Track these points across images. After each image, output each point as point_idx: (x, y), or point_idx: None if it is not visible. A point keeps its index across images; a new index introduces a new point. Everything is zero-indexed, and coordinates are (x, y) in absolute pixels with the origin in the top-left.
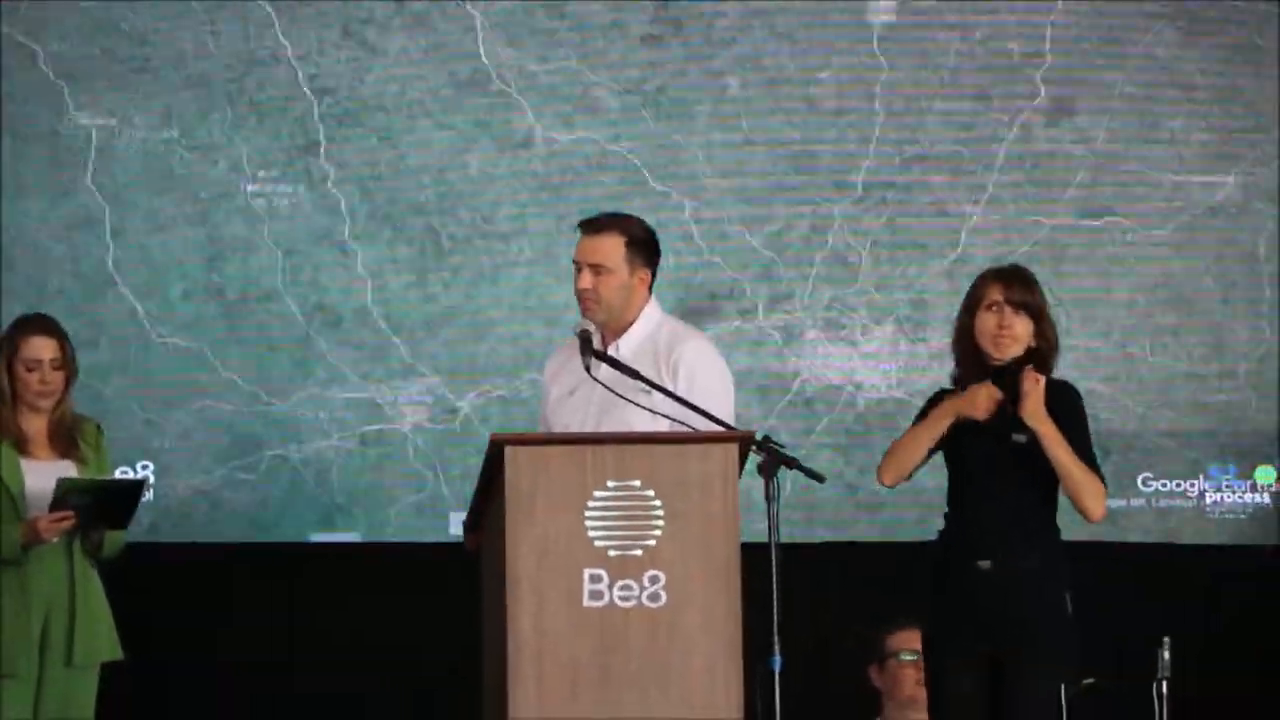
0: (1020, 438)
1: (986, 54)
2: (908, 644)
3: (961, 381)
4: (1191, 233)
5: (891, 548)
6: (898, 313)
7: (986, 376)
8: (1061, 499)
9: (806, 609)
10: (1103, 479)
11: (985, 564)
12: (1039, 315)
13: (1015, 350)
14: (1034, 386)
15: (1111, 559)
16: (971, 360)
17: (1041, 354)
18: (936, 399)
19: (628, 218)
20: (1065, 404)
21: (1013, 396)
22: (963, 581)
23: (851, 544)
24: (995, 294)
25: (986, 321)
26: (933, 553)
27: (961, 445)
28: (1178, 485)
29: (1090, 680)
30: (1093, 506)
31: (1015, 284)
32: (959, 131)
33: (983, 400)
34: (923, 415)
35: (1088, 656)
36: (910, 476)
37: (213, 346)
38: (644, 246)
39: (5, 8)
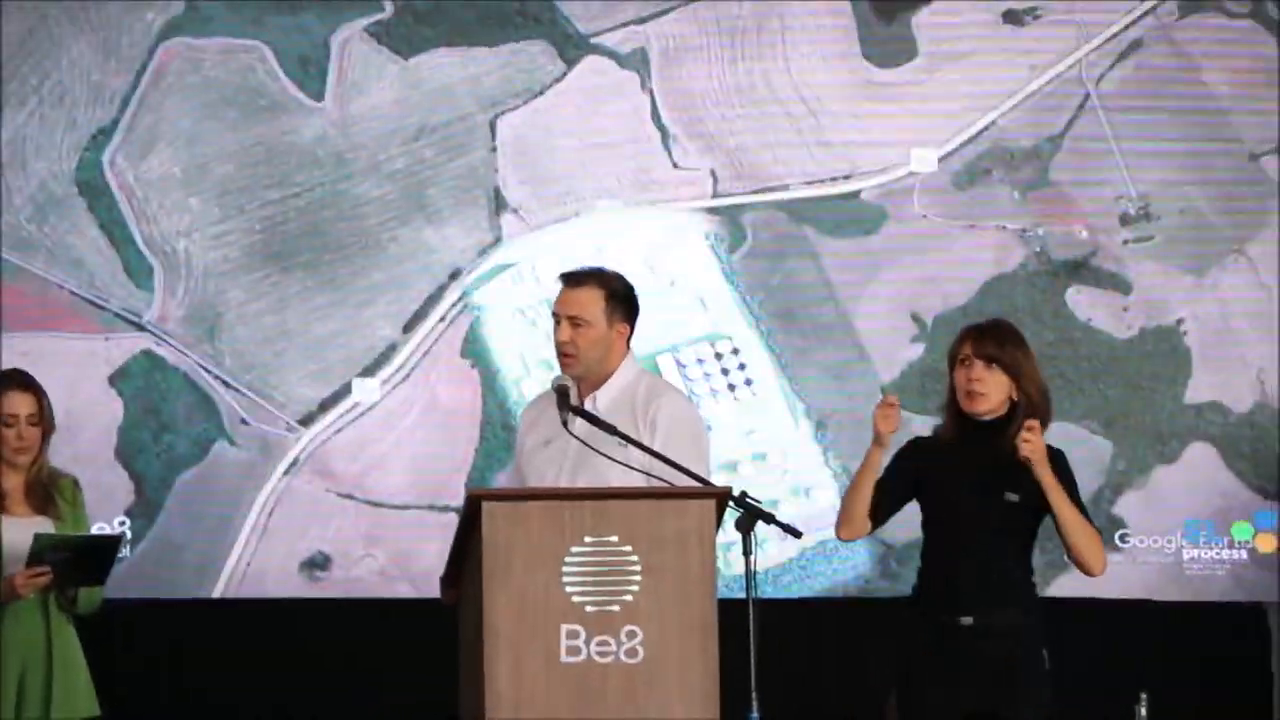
0: (1013, 496)
1: None
2: None
3: (942, 434)
4: None
5: (867, 602)
6: None
7: (967, 431)
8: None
9: (785, 664)
10: (1099, 532)
11: (967, 619)
12: (1015, 370)
13: (987, 405)
14: (1032, 434)
15: (1089, 614)
16: (952, 415)
17: (1024, 412)
18: (908, 448)
19: (607, 272)
20: (1057, 466)
21: (1000, 454)
22: (943, 637)
23: (829, 600)
24: (966, 348)
25: (959, 376)
26: (909, 607)
27: (943, 500)
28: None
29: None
30: (1096, 558)
31: (986, 338)
32: None
33: (889, 411)
34: (892, 466)
35: (1065, 713)
36: (872, 529)
37: None
38: (623, 301)
39: None
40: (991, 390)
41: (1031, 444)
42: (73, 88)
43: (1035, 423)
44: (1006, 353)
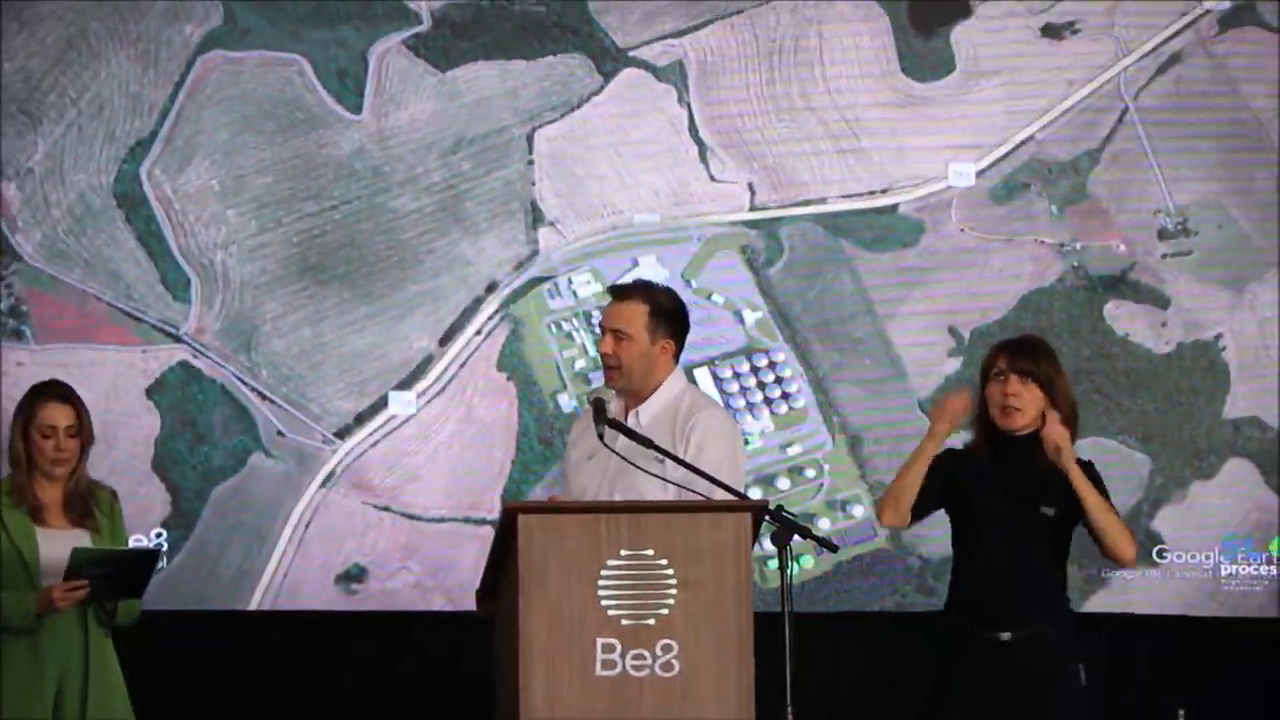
0: (1048, 510)
1: None
2: None
3: (973, 449)
4: None
5: (903, 617)
6: None
7: (999, 446)
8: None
9: (820, 679)
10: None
11: (1004, 635)
12: (1049, 384)
13: (1022, 421)
14: (1054, 425)
15: (1126, 630)
16: (983, 430)
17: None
18: (942, 459)
19: (655, 287)
20: (1089, 476)
21: (1034, 468)
22: (980, 653)
23: (865, 614)
24: (1001, 363)
25: (993, 391)
26: (942, 623)
27: (977, 515)
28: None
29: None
30: (1125, 547)
31: (1021, 353)
32: None
33: (955, 411)
34: (934, 471)
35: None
36: (910, 522)
37: None
38: (669, 317)
39: None
40: (1026, 405)
41: (1056, 431)
42: (111, 100)
43: (1054, 413)
44: (1041, 368)
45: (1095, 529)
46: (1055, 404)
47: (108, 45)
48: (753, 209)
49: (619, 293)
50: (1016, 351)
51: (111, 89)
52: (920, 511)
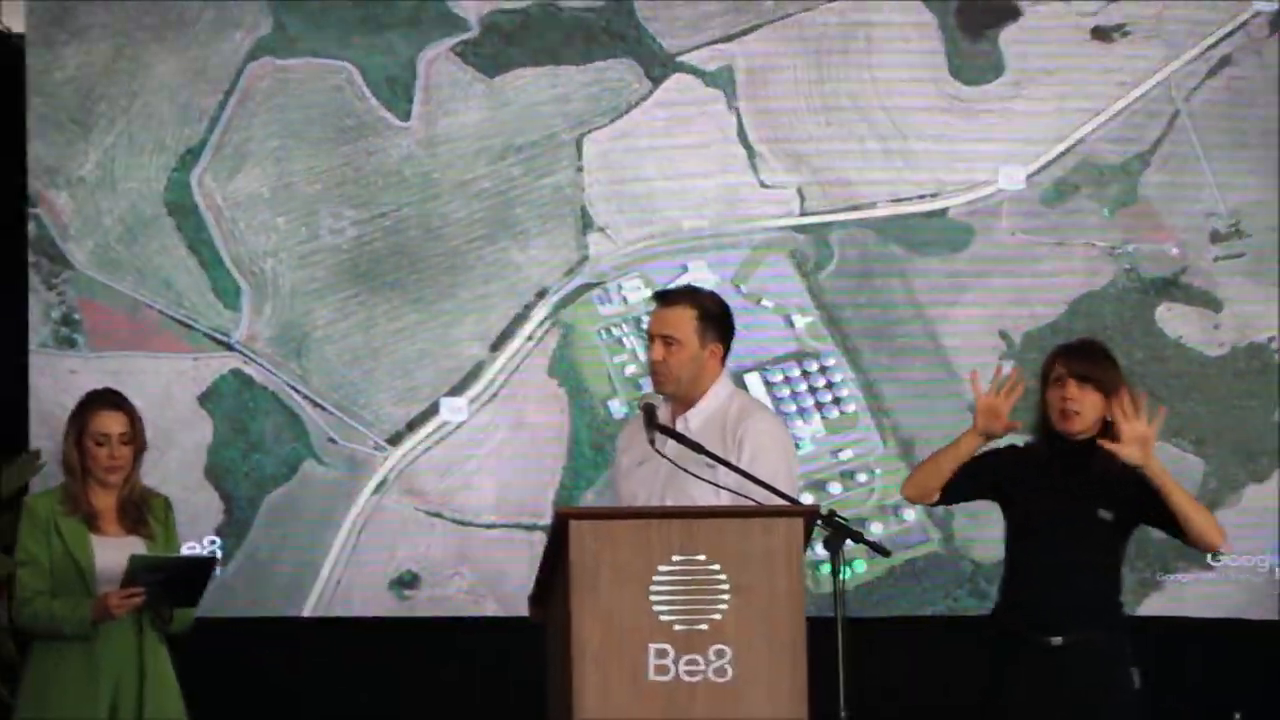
0: (1106, 514)
1: None
2: None
3: (1034, 450)
4: None
5: (955, 621)
6: None
7: (1058, 450)
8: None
9: (873, 683)
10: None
11: (1056, 639)
12: (1111, 390)
13: (1081, 425)
14: (1136, 423)
15: (1181, 633)
16: (1044, 435)
17: (1115, 430)
18: (1001, 453)
19: (701, 291)
20: (1145, 489)
21: (1092, 472)
22: (1032, 657)
23: (918, 618)
24: (1059, 368)
25: (1053, 395)
26: (994, 626)
27: (1033, 517)
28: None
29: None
30: (1213, 532)
31: (1080, 358)
32: None
33: (1001, 410)
34: (980, 458)
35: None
36: (937, 502)
37: None
38: (716, 321)
39: None
40: (1086, 409)
41: (1141, 428)
42: (161, 108)
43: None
44: (1100, 371)
45: (1182, 517)
46: (1114, 408)
47: (157, 54)
48: (802, 214)
49: (666, 298)
50: (1075, 356)
51: (161, 97)
52: (956, 495)
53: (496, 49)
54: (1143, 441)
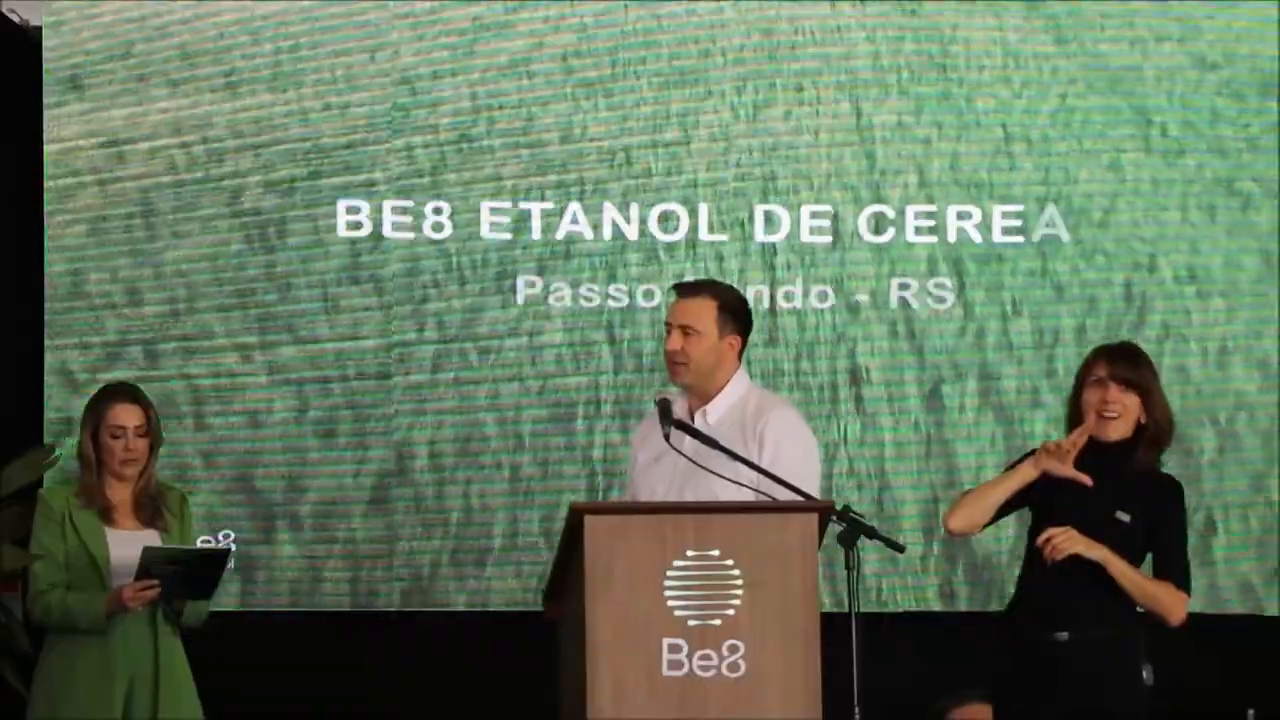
0: (1124, 516)
1: None
2: (975, 717)
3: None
4: None
5: (968, 617)
6: None
7: (1089, 452)
8: None
9: (886, 679)
10: (1188, 584)
11: (1063, 635)
12: (1147, 393)
13: (1120, 427)
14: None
15: (1194, 630)
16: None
17: (1150, 433)
18: (1028, 456)
19: (721, 284)
20: (1166, 501)
21: (1120, 475)
22: (1039, 652)
23: (929, 614)
24: (1100, 370)
25: (1092, 398)
26: (1006, 622)
27: (1054, 517)
28: None
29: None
30: (1170, 618)
31: (1120, 360)
32: None
33: (1069, 450)
34: (1011, 469)
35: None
36: (981, 529)
37: None
38: (735, 313)
39: None
40: (1124, 413)
41: (1061, 546)
42: None
43: (1054, 531)
44: (1141, 376)
45: (1138, 601)
46: (1151, 413)
47: None
48: None
49: (686, 289)
50: (1118, 358)
51: None
52: (998, 514)
53: None
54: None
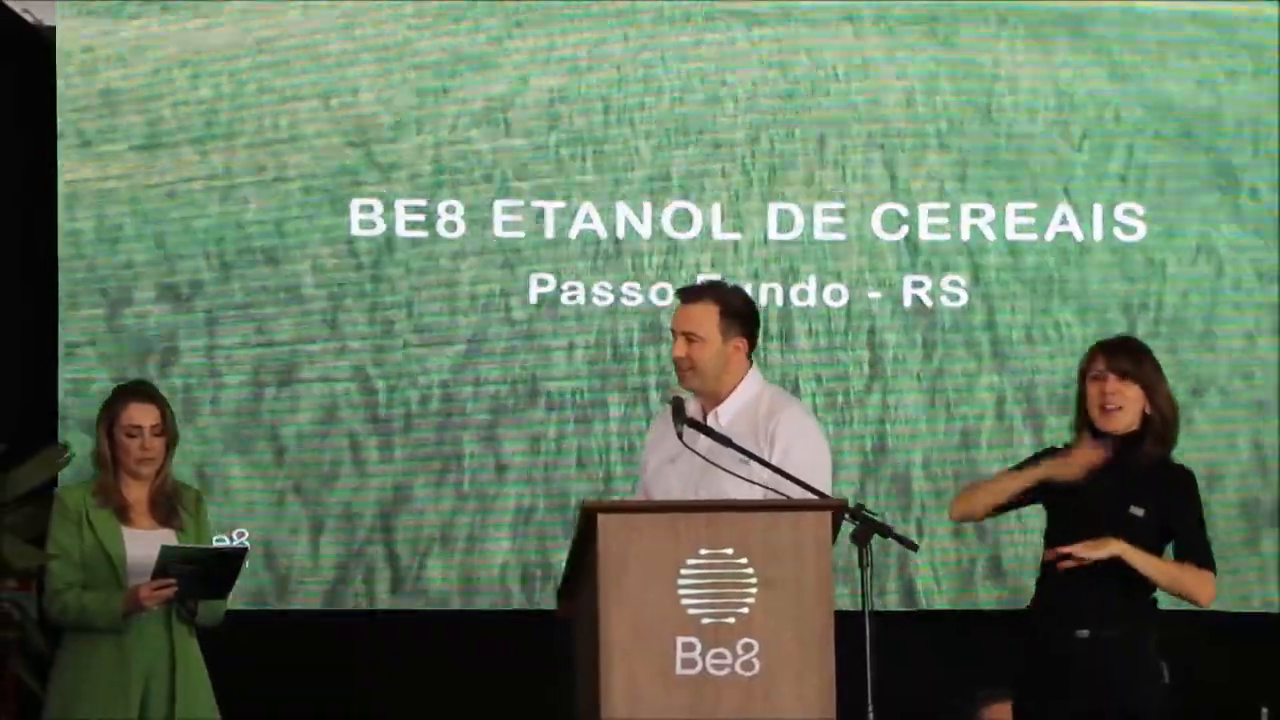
0: (1138, 511)
1: None
2: (1002, 716)
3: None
4: None
5: (984, 615)
6: None
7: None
8: None
9: (900, 677)
10: (1211, 562)
11: (1083, 633)
12: (1150, 386)
13: (1123, 420)
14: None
15: (1212, 628)
16: (1083, 432)
17: (1155, 426)
18: (1044, 455)
19: (724, 286)
20: (1178, 491)
21: (1129, 469)
22: (1060, 650)
23: (944, 612)
24: (1099, 364)
25: (1093, 392)
26: (1027, 620)
27: (1069, 514)
28: None
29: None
30: (1199, 597)
31: (1119, 353)
32: None
33: (1079, 461)
34: (1021, 466)
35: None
36: (981, 519)
37: None
38: (740, 315)
39: None
40: (1127, 405)
41: (1086, 556)
42: None
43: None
44: (1141, 368)
45: (1165, 587)
46: (1155, 405)
47: None
48: None
49: (688, 295)
50: (1115, 351)
51: None
52: (1000, 510)
53: None
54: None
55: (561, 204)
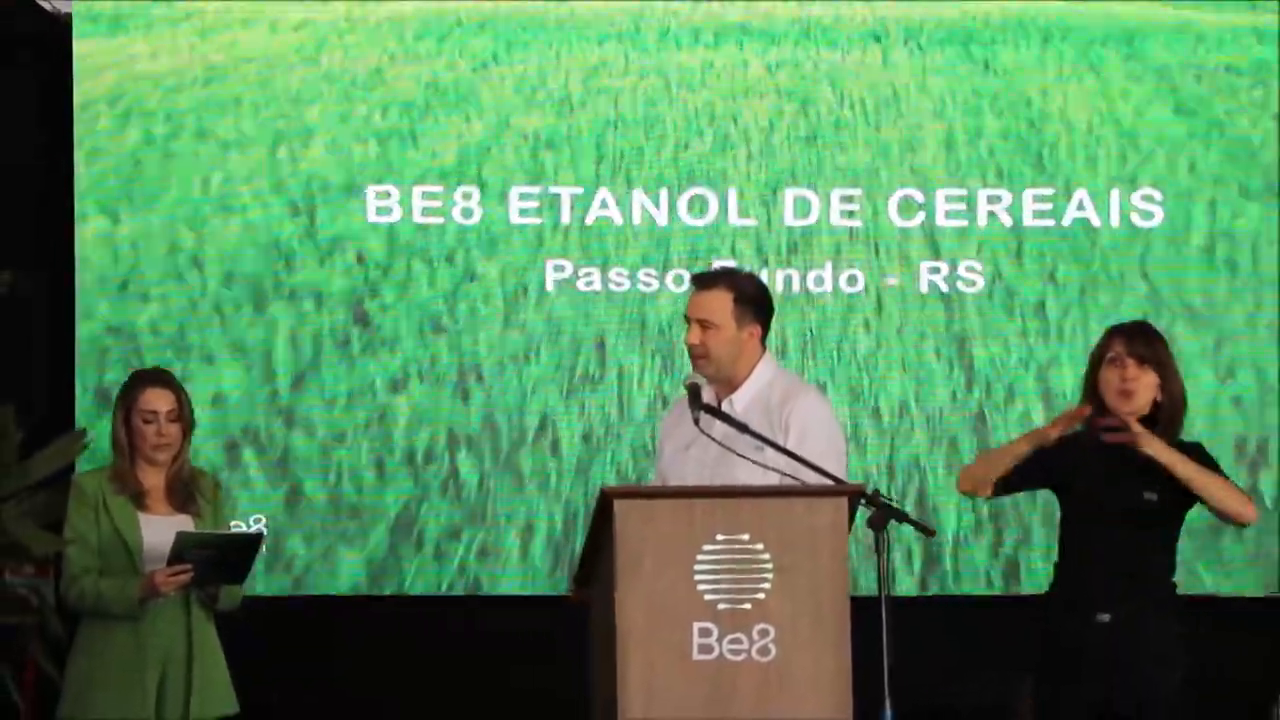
0: (1151, 496)
1: None
2: None
3: (1086, 436)
4: None
5: (1000, 599)
6: None
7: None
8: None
9: (918, 662)
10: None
11: (1105, 617)
12: (1164, 370)
13: (1139, 403)
14: (1132, 431)
15: (1228, 613)
16: (1096, 416)
17: (1166, 411)
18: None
19: (738, 273)
20: (1194, 458)
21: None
22: (1079, 635)
23: (962, 597)
24: (1117, 347)
25: (1109, 375)
26: (1045, 605)
27: (1083, 500)
28: None
29: None
30: (1239, 509)
31: (1137, 337)
32: None
33: (1060, 422)
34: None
35: (1203, 711)
36: (990, 495)
37: None
38: (753, 302)
39: None
40: (1142, 390)
41: (1126, 436)
42: None
43: (1113, 420)
44: (1156, 352)
45: (1205, 502)
46: (1168, 391)
47: None
48: None
49: (702, 282)
50: (1134, 336)
51: None
52: (1011, 487)
53: None
54: (1132, 435)
55: (579, 190)
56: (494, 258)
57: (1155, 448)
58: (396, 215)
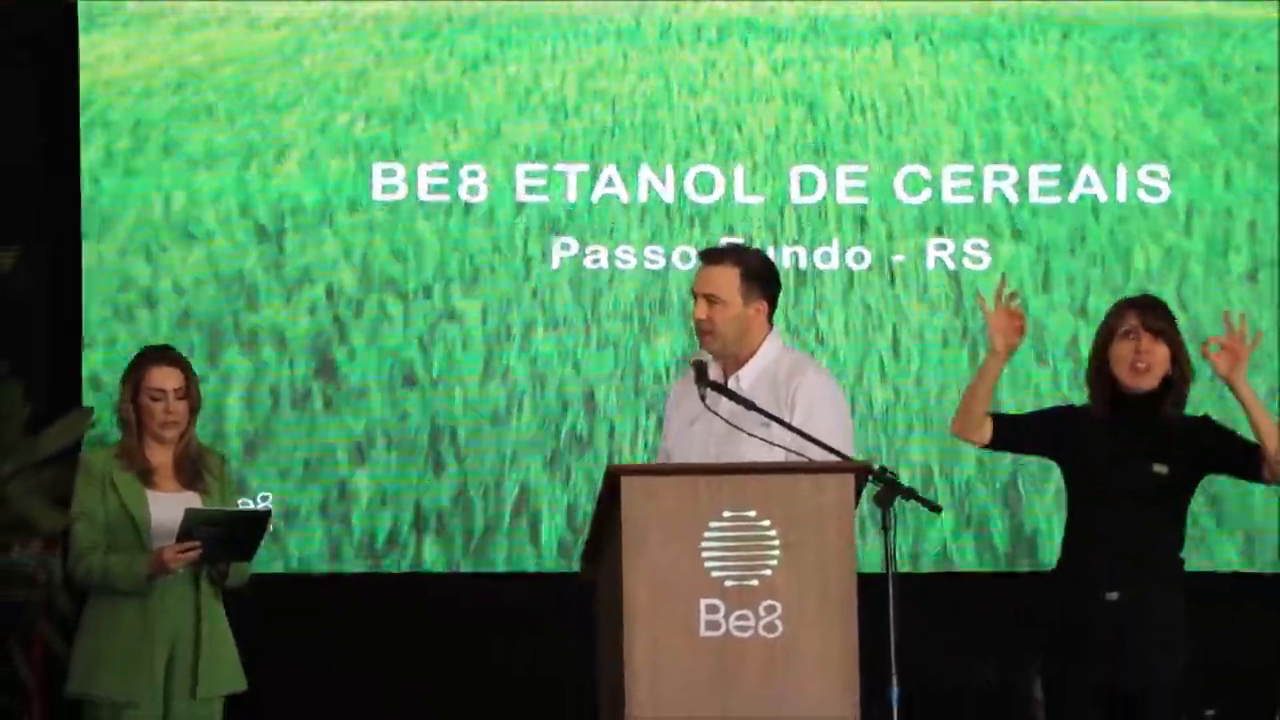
0: (1161, 469)
1: None
2: None
3: (1095, 412)
4: None
5: (1006, 577)
6: None
7: (1118, 406)
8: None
9: (924, 639)
10: None
11: (1113, 595)
12: (1175, 345)
13: (1152, 378)
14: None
15: (1237, 590)
16: (1105, 390)
17: (1176, 385)
18: (1065, 409)
19: (745, 249)
20: (1207, 430)
21: (1150, 427)
22: (1086, 612)
23: (969, 574)
24: (1132, 320)
25: (1123, 349)
26: (1052, 582)
27: (1091, 474)
28: None
29: (1212, 712)
30: None
31: (1151, 311)
32: None
33: (998, 334)
34: (1041, 412)
35: (1209, 687)
36: (989, 441)
37: None
38: (760, 278)
39: None
40: (1156, 363)
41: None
42: None
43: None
44: (1171, 327)
45: (1265, 434)
46: (1179, 365)
47: None
48: None
49: (710, 257)
50: (1147, 309)
51: None
52: (1014, 442)
53: None
54: (1235, 358)
55: (584, 167)
56: (494, 254)
57: (1247, 392)
58: (402, 192)
